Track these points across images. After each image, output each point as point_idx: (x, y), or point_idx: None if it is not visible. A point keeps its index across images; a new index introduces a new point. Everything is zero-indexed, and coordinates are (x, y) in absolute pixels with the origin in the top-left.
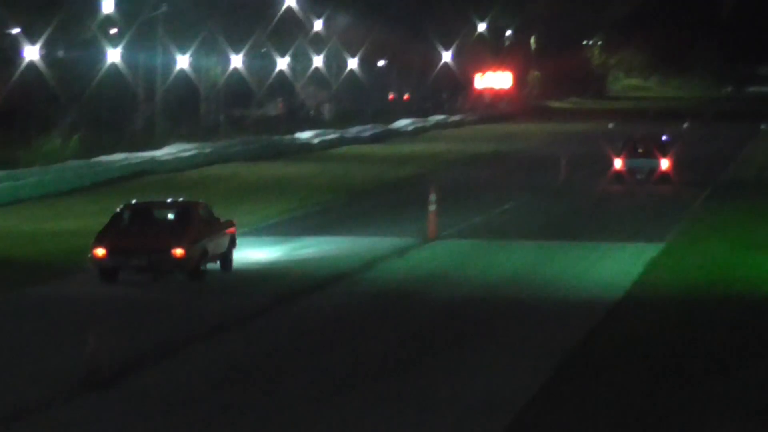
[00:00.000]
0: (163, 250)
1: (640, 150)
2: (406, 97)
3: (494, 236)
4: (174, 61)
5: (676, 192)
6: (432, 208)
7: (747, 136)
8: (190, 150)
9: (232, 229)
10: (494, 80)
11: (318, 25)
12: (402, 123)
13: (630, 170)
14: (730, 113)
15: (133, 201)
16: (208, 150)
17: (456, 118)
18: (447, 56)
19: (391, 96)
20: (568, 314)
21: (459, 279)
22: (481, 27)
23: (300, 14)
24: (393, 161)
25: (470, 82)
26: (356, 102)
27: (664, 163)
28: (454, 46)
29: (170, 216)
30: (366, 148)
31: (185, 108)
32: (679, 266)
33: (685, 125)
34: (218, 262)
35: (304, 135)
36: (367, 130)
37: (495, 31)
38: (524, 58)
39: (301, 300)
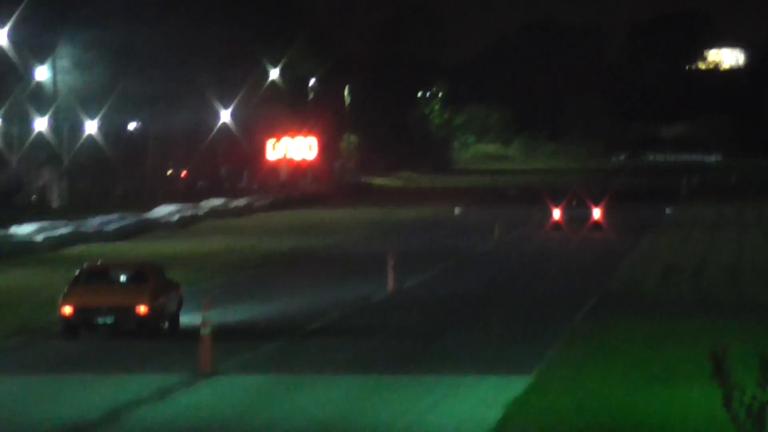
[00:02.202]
0: (128, 308)
1: (574, 202)
2: (183, 173)
3: (295, 369)
4: None
5: (548, 304)
6: (206, 331)
7: (646, 224)
8: None
9: (181, 291)
10: (293, 148)
11: (41, 73)
12: (164, 211)
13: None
14: (625, 191)
15: (99, 262)
16: None
17: (240, 202)
18: (226, 115)
19: (170, 172)
20: None
21: None
22: (275, 74)
23: (14, 57)
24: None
25: (260, 151)
26: (99, 181)
27: (597, 212)
28: (235, 102)
29: (125, 276)
30: (111, 247)
31: None
32: (553, 408)
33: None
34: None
35: (23, 229)
36: (113, 221)
37: (293, 79)
38: (335, 116)
39: None
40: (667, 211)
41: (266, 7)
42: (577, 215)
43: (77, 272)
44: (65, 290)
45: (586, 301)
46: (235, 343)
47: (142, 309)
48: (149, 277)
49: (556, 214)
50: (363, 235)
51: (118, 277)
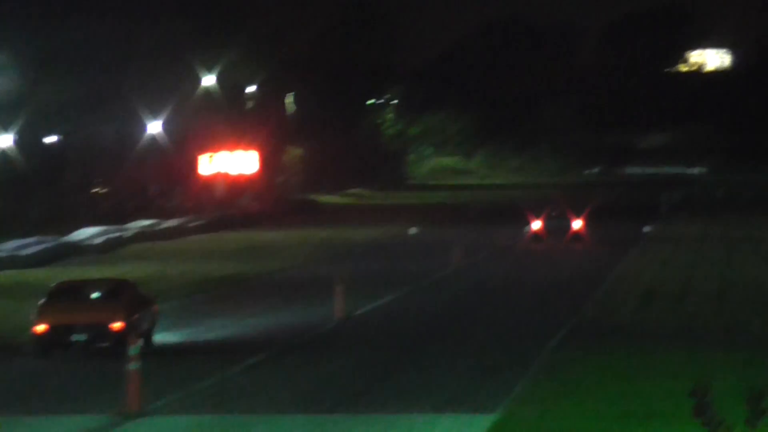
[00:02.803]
0: (102, 324)
1: (554, 213)
2: (119, 191)
3: (232, 408)
4: None
5: (515, 334)
6: (133, 366)
7: (623, 244)
8: None
9: (156, 307)
10: (231, 163)
11: None
12: (87, 233)
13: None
14: (600, 207)
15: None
16: None
17: (172, 223)
18: (156, 127)
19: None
20: None
21: None
22: (210, 80)
23: None
24: None
25: (194, 166)
26: (13, 201)
27: (577, 224)
28: (166, 112)
29: (98, 293)
30: (27, 275)
31: None
32: None
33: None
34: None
35: None
36: (29, 245)
37: (231, 87)
38: (278, 127)
39: None
40: (646, 229)
41: (199, 7)
42: (558, 226)
43: (49, 290)
44: (37, 308)
45: (556, 331)
46: (166, 380)
47: (117, 325)
48: (123, 293)
49: (536, 225)
50: (309, 259)
51: (91, 294)
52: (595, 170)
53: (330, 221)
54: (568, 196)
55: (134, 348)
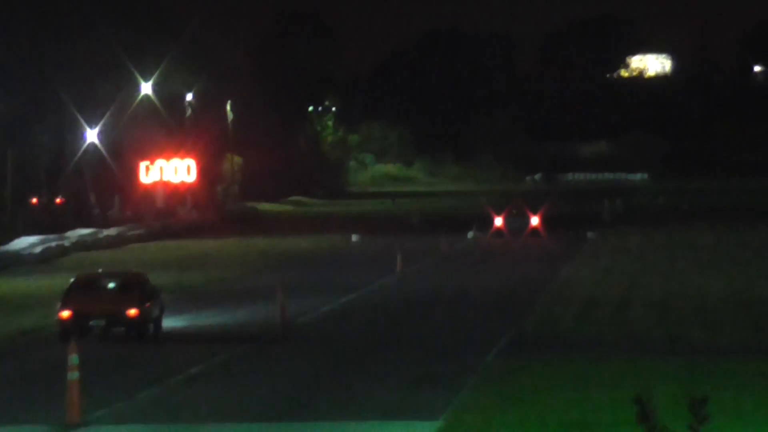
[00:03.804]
0: (119, 311)
1: (514, 211)
2: (59, 200)
3: (175, 418)
4: None
5: (458, 343)
6: (73, 376)
7: (565, 251)
8: None
9: (162, 297)
10: (170, 171)
11: None
12: (24, 243)
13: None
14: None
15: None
16: None
17: (111, 232)
18: (93, 135)
19: (34, 200)
20: None
21: None
22: (147, 88)
23: None
24: (2, 307)
25: (133, 174)
26: None
27: (535, 220)
28: (103, 120)
29: (115, 284)
30: None
31: None
32: None
33: (470, 235)
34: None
35: None
36: None
37: (169, 95)
38: (217, 135)
39: None
40: (589, 235)
41: (134, 15)
42: (515, 224)
43: (71, 281)
44: (62, 298)
45: (499, 339)
46: (108, 389)
47: (132, 312)
48: (136, 284)
49: (498, 221)
50: (250, 269)
51: (108, 285)
52: (537, 177)
53: (270, 230)
54: (511, 201)
55: (74, 358)
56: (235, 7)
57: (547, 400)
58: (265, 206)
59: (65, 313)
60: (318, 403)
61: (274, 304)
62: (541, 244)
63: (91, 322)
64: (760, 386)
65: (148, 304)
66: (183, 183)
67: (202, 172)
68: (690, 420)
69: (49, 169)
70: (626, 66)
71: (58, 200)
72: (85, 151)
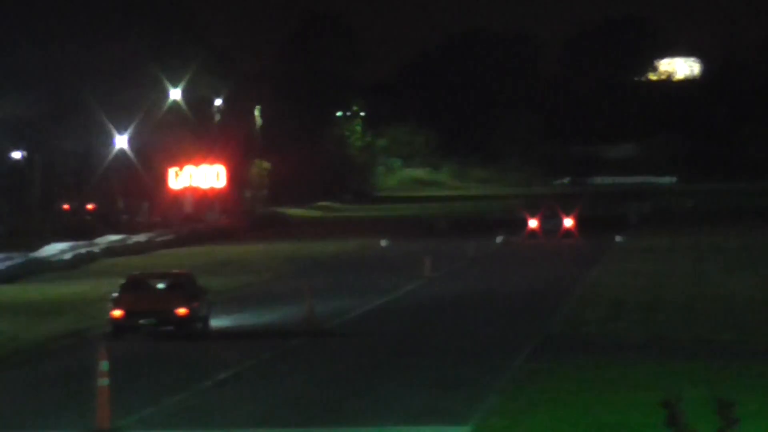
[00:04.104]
0: (168, 310)
1: (548, 213)
2: (90, 206)
3: (203, 424)
4: None
5: (487, 347)
6: (103, 382)
7: (594, 255)
8: None
9: (208, 296)
10: (199, 177)
11: None
12: (54, 249)
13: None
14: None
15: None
16: None
17: (141, 238)
18: (122, 141)
19: (66, 206)
20: None
21: None
22: (175, 94)
23: None
24: (35, 312)
25: (161, 180)
26: None
27: (568, 222)
28: (132, 126)
29: (164, 284)
30: None
31: None
32: None
33: (499, 239)
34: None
35: None
36: None
37: (197, 100)
38: (245, 141)
39: None
40: (618, 239)
41: (161, 21)
42: (552, 225)
43: (123, 282)
44: (113, 297)
45: (528, 342)
46: (137, 396)
47: (182, 311)
48: (185, 284)
49: (533, 223)
50: (278, 273)
51: (158, 285)
52: (565, 180)
53: (298, 235)
54: (544, 204)
55: (104, 364)
56: (260, 12)
57: (576, 402)
58: (293, 211)
59: (117, 312)
60: (346, 407)
61: (301, 308)
62: (575, 246)
63: (141, 321)
64: None
65: (196, 303)
66: (212, 189)
67: (231, 177)
68: (719, 424)
69: (77, 175)
70: (654, 69)
71: (89, 206)
72: (114, 156)
